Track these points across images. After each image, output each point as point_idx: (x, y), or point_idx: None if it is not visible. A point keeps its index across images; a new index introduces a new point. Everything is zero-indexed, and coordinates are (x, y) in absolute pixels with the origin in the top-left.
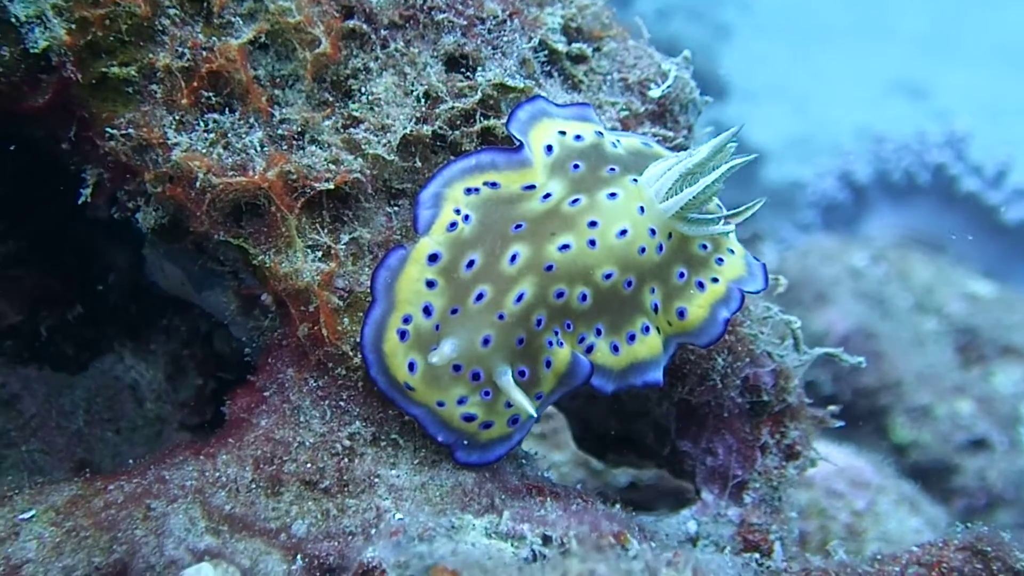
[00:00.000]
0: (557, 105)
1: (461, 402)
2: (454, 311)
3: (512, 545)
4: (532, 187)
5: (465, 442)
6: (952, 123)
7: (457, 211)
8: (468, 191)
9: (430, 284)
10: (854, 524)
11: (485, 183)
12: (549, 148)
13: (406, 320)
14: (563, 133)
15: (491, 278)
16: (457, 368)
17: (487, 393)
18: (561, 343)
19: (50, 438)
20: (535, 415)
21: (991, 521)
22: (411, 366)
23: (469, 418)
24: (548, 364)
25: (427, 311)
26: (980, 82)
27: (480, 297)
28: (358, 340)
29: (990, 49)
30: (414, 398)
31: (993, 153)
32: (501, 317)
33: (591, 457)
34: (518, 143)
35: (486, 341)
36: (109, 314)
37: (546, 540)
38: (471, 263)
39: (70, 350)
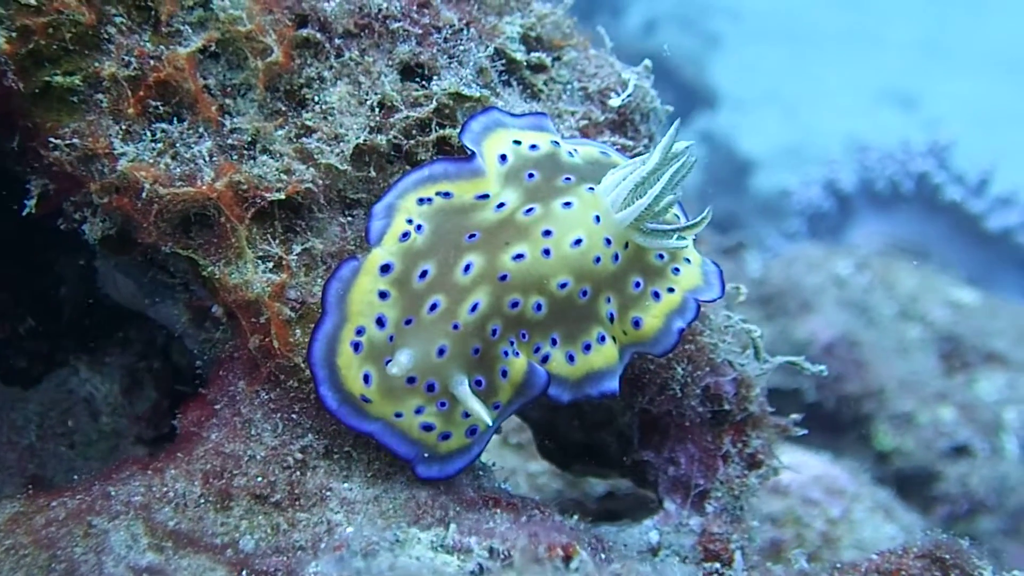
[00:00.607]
0: (512, 115)
1: (418, 412)
2: (408, 322)
3: (458, 559)
4: (486, 196)
5: (425, 455)
6: (936, 132)
7: (409, 221)
8: (421, 201)
9: (383, 295)
10: (829, 532)
11: (438, 193)
12: (503, 157)
13: (359, 332)
14: (518, 143)
15: (445, 288)
16: (411, 380)
17: (443, 404)
18: (517, 353)
19: (1, 453)
20: (492, 424)
21: (973, 527)
22: (366, 378)
23: (427, 427)
24: (504, 374)
25: (380, 322)
26: (971, 90)
27: (434, 307)
28: (307, 356)
29: (981, 57)
30: (370, 411)
31: (976, 161)
32: (456, 327)
33: (555, 467)
34: (471, 152)
35: (441, 351)
36: (63, 327)
37: (492, 553)
38: (424, 273)
39: (22, 363)
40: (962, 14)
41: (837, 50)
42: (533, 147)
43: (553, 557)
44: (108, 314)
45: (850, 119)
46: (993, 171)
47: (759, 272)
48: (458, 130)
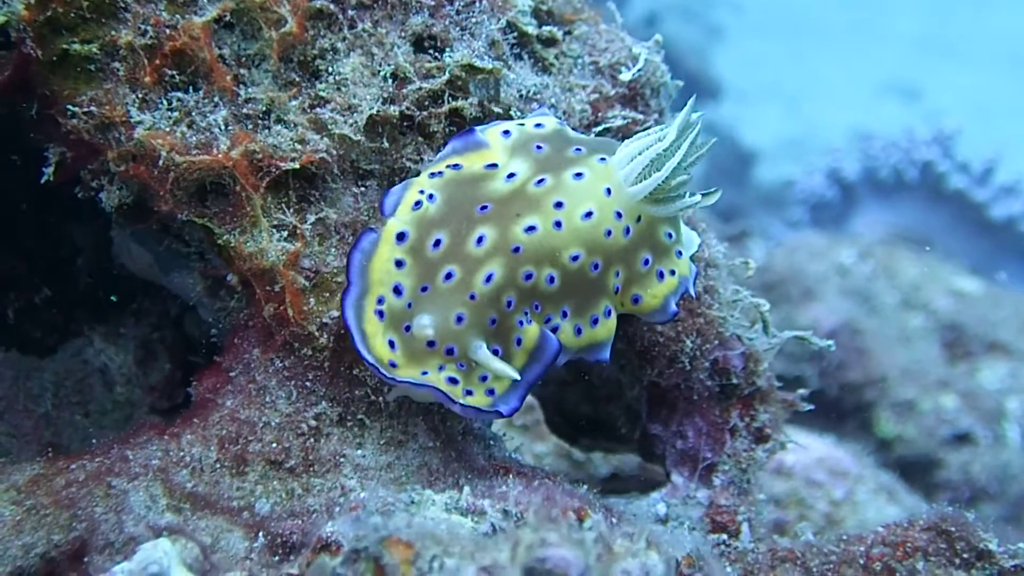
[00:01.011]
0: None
1: (441, 369)
2: (424, 289)
3: (472, 520)
4: (494, 166)
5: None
6: (940, 121)
7: (421, 191)
8: (432, 175)
9: (399, 263)
10: (832, 513)
11: (448, 166)
12: (506, 132)
13: (380, 301)
14: (522, 124)
15: (458, 258)
16: (431, 344)
17: (462, 365)
18: (530, 321)
19: (17, 421)
20: (518, 377)
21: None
22: (391, 344)
23: (453, 380)
24: (519, 342)
25: (397, 291)
26: (973, 83)
27: (449, 276)
28: (336, 320)
29: (984, 50)
30: (399, 374)
31: (980, 151)
32: (473, 297)
33: (563, 442)
34: (469, 128)
35: (459, 319)
36: (78, 297)
37: (506, 515)
38: (437, 242)
39: (38, 333)
40: (965, 7)
41: (840, 43)
42: (538, 125)
43: (568, 516)
44: (123, 285)
45: (853, 111)
46: (998, 160)
47: (762, 260)
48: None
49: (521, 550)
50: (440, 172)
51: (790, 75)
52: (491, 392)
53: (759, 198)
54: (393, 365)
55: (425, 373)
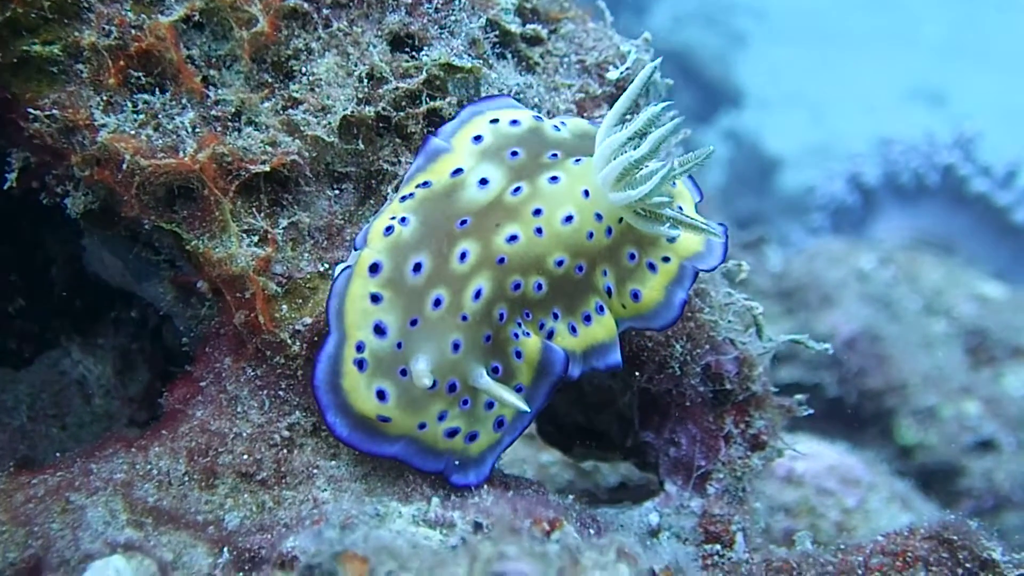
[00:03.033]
0: (483, 99)
1: (442, 418)
2: (413, 322)
3: (441, 532)
4: (459, 171)
5: (456, 462)
6: (961, 124)
7: (392, 217)
8: (403, 199)
9: (375, 298)
10: (844, 522)
11: (417, 185)
12: (478, 138)
13: (359, 348)
14: (496, 121)
15: (444, 280)
16: (432, 385)
17: (466, 402)
18: (527, 333)
19: None
20: (526, 408)
21: (998, 522)
22: (381, 395)
23: (453, 432)
24: (519, 355)
25: (379, 330)
26: (1000, 87)
27: (438, 303)
28: (310, 327)
29: (1010, 54)
30: (391, 430)
31: (1002, 154)
32: (464, 318)
33: (556, 450)
34: (425, 137)
35: (456, 346)
36: (53, 307)
37: (477, 527)
38: (418, 267)
39: (13, 344)
40: (991, 11)
41: (865, 48)
42: (514, 123)
43: (536, 529)
44: (100, 294)
45: (878, 117)
46: (1021, 163)
47: (780, 267)
48: (447, 98)
49: (479, 565)
50: (411, 194)
51: (814, 82)
52: (500, 423)
53: (782, 206)
54: (384, 420)
55: (423, 426)
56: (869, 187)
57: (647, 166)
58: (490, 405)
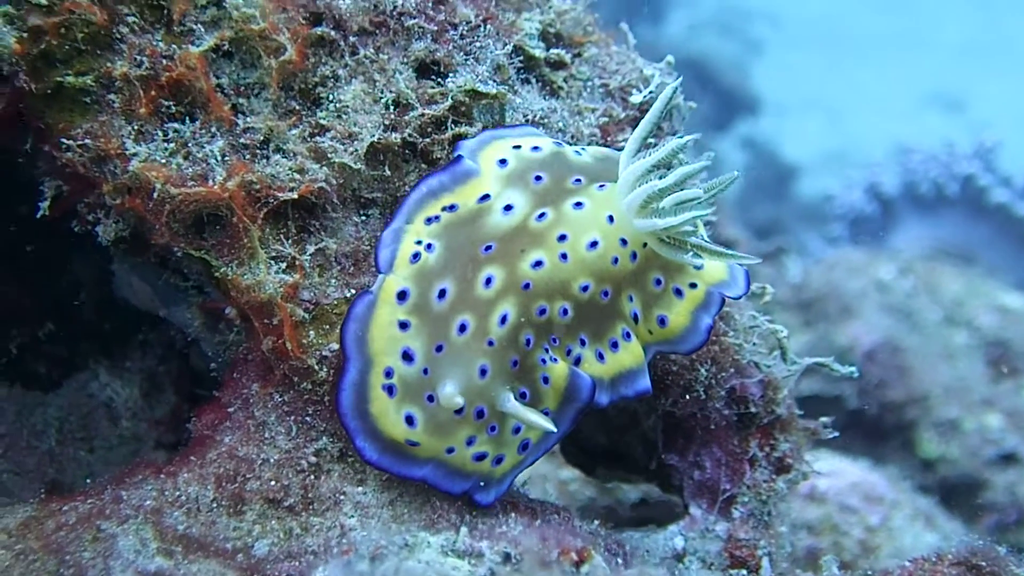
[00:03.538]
0: (504, 127)
1: (470, 443)
2: (439, 348)
3: (469, 563)
4: (487, 197)
5: (481, 483)
6: (982, 134)
7: (418, 242)
8: (428, 221)
9: (403, 326)
10: (868, 540)
11: (443, 208)
12: (503, 162)
13: (388, 374)
14: (518, 147)
15: (469, 305)
16: (459, 411)
17: (493, 428)
18: (555, 359)
19: (20, 458)
20: (554, 429)
21: (1022, 538)
22: (409, 420)
23: (480, 457)
24: (546, 380)
25: (407, 357)
26: (1019, 92)
27: (463, 328)
28: (337, 353)
29: None
30: (419, 454)
31: (1021, 162)
32: (491, 343)
33: (579, 471)
34: (456, 157)
35: (483, 372)
36: (82, 331)
37: (505, 557)
38: (443, 293)
39: (42, 368)
40: (1010, 14)
41: (881, 54)
42: (535, 148)
43: (564, 560)
44: (127, 318)
45: (895, 123)
46: None
47: (799, 277)
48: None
49: None
50: (437, 216)
51: (831, 88)
52: (525, 446)
53: (800, 213)
54: (413, 444)
55: (451, 451)
56: (888, 197)
57: (672, 193)
58: (517, 430)
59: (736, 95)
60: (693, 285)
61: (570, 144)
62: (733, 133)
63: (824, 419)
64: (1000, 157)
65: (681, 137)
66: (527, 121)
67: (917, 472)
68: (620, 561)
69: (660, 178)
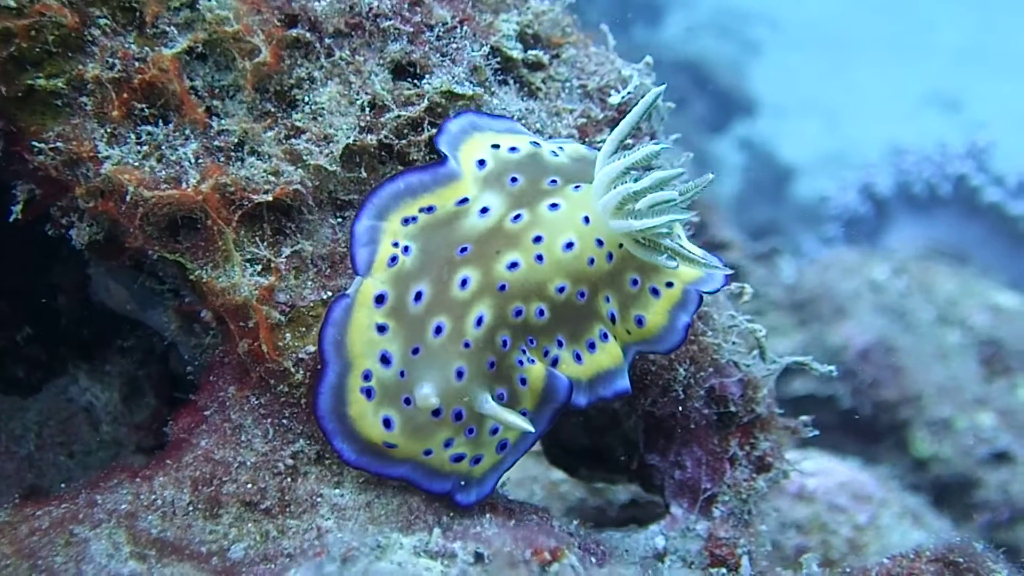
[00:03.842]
0: (488, 115)
1: (448, 445)
2: (415, 351)
3: (442, 564)
4: (465, 200)
5: (462, 483)
6: (974, 134)
7: (395, 244)
8: (405, 221)
9: (381, 329)
10: (856, 539)
11: (421, 209)
12: (482, 163)
13: (366, 376)
14: (496, 147)
15: (445, 307)
16: (437, 413)
17: (472, 431)
18: (532, 360)
19: None
20: (532, 429)
21: (1014, 535)
22: (387, 423)
23: (459, 458)
24: (523, 382)
25: (385, 360)
26: (1016, 93)
27: (439, 331)
28: (313, 356)
29: None
30: (396, 455)
31: (1017, 163)
32: (467, 345)
33: (560, 471)
34: (443, 156)
35: (460, 374)
36: (61, 335)
37: (478, 557)
38: (419, 295)
39: (21, 372)
40: (1007, 16)
41: (878, 56)
42: (513, 149)
43: (535, 560)
44: (106, 322)
45: (893, 125)
46: None
47: (793, 278)
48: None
49: None
50: (414, 217)
51: (829, 89)
52: (503, 446)
53: (797, 214)
54: (390, 446)
55: (429, 452)
56: (882, 197)
57: (648, 196)
58: (495, 430)
59: (733, 97)
60: (669, 284)
61: (550, 140)
62: (730, 135)
63: (804, 417)
64: (993, 157)
65: (658, 143)
66: None
67: (910, 471)
68: (594, 560)
69: (636, 180)
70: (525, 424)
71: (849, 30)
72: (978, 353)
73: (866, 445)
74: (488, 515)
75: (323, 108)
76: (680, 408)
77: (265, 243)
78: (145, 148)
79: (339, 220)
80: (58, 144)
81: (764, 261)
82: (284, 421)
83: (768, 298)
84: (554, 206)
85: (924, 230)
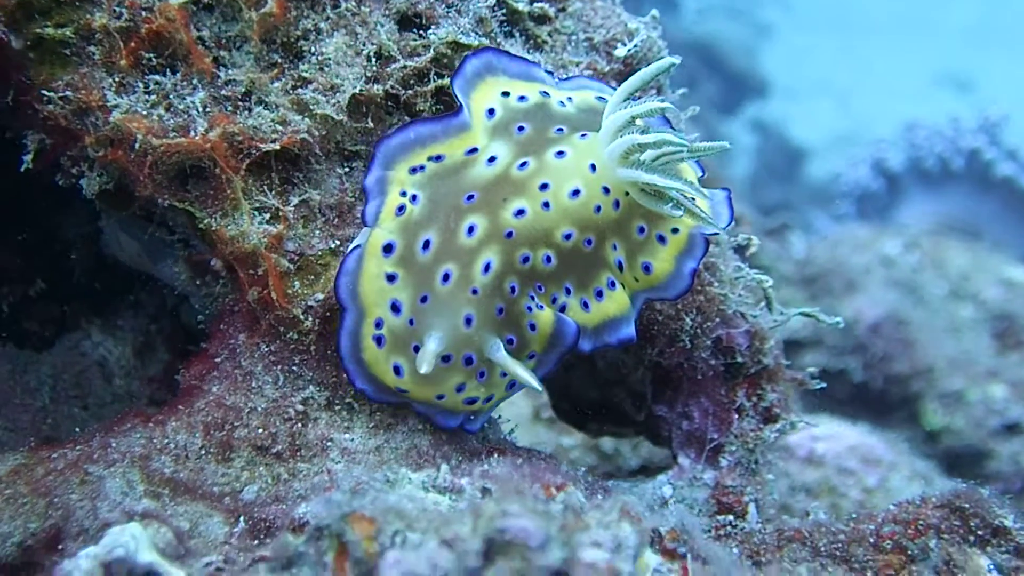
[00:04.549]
0: (507, 55)
1: (460, 389)
2: (424, 299)
3: (450, 498)
4: (475, 151)
5: (471, 416)
6: (986, 108)
7: (403, 193)
8: (413, 170)
9: (391, 278)
10: (865, 501)
11: (430, 158)
12: (491, 112)
13: (378, 324)
14: (506, 94)
15: (452, 254)
16: (447, 359)
17: (482, 374)
18: (540, 306)
19: (14, 415)
20: (539, 388)
21: None
22: (397, 370)
23: (471, 401)
24: (533, 327)
25: (395, 308)
26: None
27: (447, 278)
28: (322, 303)
29: None
30: (411, 398)
31: None
32: (475, 292)
33: (570, 430)
34: (458, 105)
35: (468, 320)
36: (73, 290)
37: (485, 492)
38: (427, 244)
39: (34, 327)
40: None
41: (890, 36)
42: (522, 98)
43: (542, 491)
44: (119, 276)
45: (906, 104)
46: None
47: (803, 253)
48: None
49: (482, 521)
50: (422, 166)
51: (841, 70)
52: (512, 385)
53: (810, 195)
54: (402, 391)
55: (441, 397)
56: (893, 172)
57: (657, 148)
58: (504, 372)
59: (746, 78)
60: (675, 230)
61: (564, 83)
62: (742, 116)
63: (811, 369)
64: (1005, 131)
65: (663, 100)
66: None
67: (922, 443)
68: (600, 496)
69: (642, 132)
70: (534, 382)
71: (861, 10)
72: (990, 327)
73: (877, 418)
74: (496, 455)
75: (329, 59)
76: (687, 358)
77: (273, 192)
78: (153, 97)
79: (346, 170)
80: (67, 93)
81: (775, 236)
82: (294, 368)
83: (779, 272)
84: (560, 154)
85: (936, 205)
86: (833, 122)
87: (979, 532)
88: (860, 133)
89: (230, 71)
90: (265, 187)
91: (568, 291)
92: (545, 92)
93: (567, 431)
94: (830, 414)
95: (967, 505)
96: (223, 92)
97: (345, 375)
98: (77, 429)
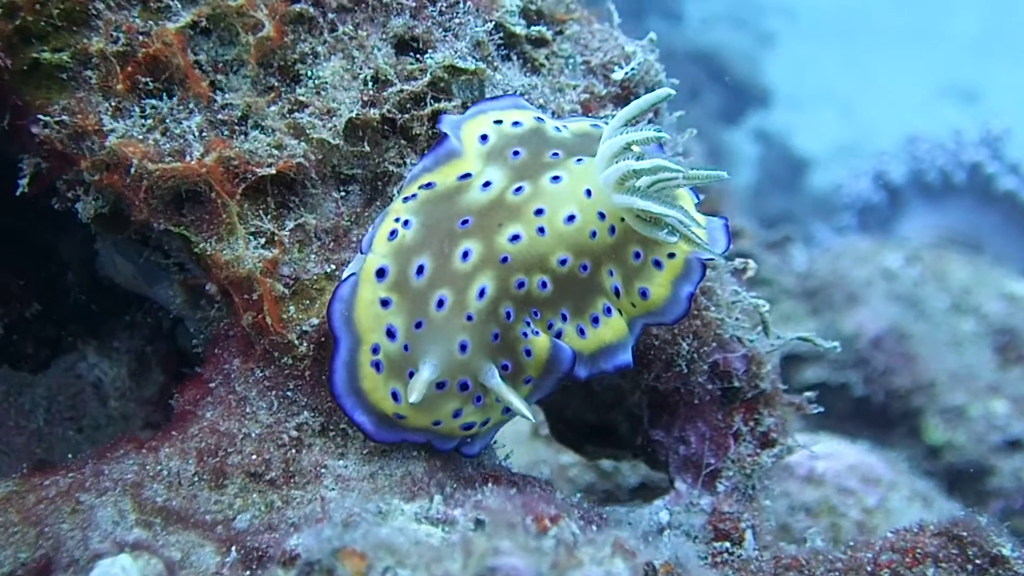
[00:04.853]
0: (490, 99)
1: (456, 415)
2: (418, 325)
3: (443, 530)
4: (468, 176)
5: (468, 440)
6: (988, 122)
7: (396, 219)
8: (406, 199)
9: (384, 303)
10: (865, 521)
11: (420, 187)
12: (484, 137)
13: (375, 350)
14: (499, 122)
15: (447, 280)
16: (441, 385)
17: (479, 399)
18: (536, 332)
19: (8, 438)
20: (532, 419)
21: None
22: (395, 396)
23: (468, 427)
24: (528, 353)
25: (391, 334)
26: None
27: (441, 303)
28: (317, 328)
29: None
30: (408, 425)
31: None
32: (470, 318)
33: (568, 449)
34: (443, 135)
35: (463, 347)
36: (69, 311)
37: (478, 524)
38: (421, 269)
39: (30, 348)
40: (1022, 5)
41: (895, 47)
42: (516, 124)
43: (534, 525)
44: (115, 298)
45: (909, 115)
46: None
47: (805, 266)
48: (453, 102)
49: (473, 559)
50: (414, 195)
51: (844, 80)
52: (507, 410)
53: (813, 205)
54: (400, 417)
55: (438, 423)
56: (895, 185)
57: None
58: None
59: (749, 87)
60: (671, 255)
61: (553, 118)
62: (745, 126)
63: (808, 393)
64: (1007, 145)
65: (659, 129)
66: None
67: (924, 459)
68: (595, 528)
69: (638, 159)
70: (526, 411)
71: (865, 20)
72: (992, 341)
73: (878, 432)
74: (490, 484)
75: (326, 82)
76: (684, 383)
77: (269, 216)
78: (149, 121)
79: (342, 194)
80: (63, 117)
81: (776, 249)
82: (288, 393)
83: (780, 286)
84: (556, 179)
85: (938, 218)
86: (836, 132)
87: (977, 561)
88: (864, 143)
89: (227, 95)
90: (261, 211)
91: (564, 317)
92: (540, 118)
93: (566, 449)
94: (830, 431)
95: (965, 533)
96: (219, 116)
97: (341, 410)
98: (71, 455)
